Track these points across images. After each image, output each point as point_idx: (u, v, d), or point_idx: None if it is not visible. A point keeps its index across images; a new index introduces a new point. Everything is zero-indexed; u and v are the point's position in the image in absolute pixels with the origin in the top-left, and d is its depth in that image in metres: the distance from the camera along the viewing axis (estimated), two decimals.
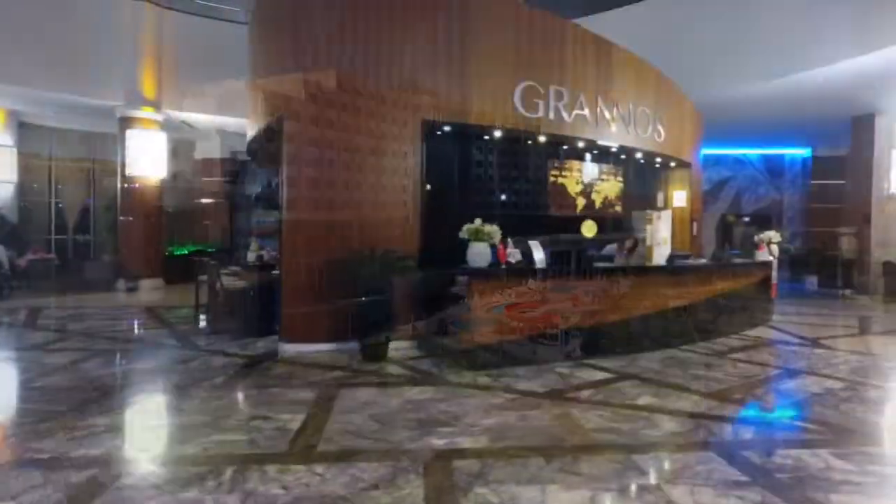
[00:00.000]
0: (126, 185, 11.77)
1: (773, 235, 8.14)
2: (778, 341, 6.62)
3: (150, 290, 11.56)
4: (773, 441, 3.33)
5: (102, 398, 4.02)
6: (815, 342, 6.60)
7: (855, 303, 11.20)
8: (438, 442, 3.22)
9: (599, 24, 10.18)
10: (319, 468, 2.86)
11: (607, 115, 7.23)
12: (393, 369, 4.98)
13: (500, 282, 5.01)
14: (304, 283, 5.66)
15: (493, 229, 4.97)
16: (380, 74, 5.82)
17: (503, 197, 6.89)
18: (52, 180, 13.92)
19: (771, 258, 7.88)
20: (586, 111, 6.98)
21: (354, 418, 3.63)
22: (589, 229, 7.65)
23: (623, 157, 8.21)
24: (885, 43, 7.84)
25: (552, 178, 7.22)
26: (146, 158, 11.71)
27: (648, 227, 8.44)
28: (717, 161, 16.65)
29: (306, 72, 5.68)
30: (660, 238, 8.34)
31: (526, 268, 5.18)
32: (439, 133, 6.49)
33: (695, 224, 9.40)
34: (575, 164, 7.43)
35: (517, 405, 3.96)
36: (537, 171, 7.14)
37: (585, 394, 4.26)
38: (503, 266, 5.04)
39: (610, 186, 7.88)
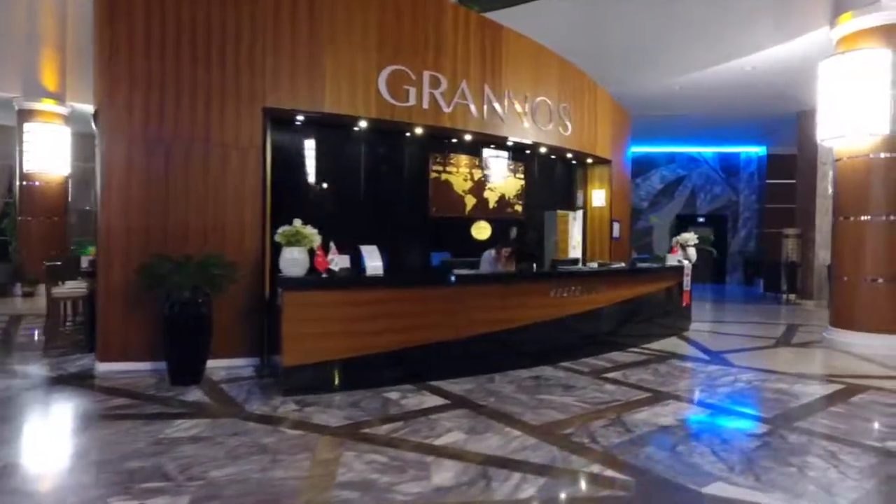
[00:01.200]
0: (24, 183, 10.99)
1: (690, 237, 7.50)
2: (675, 355, 5.97)
3: None
4: (552, 501, 2.65)
5: None
6: (715, 356, 5.96)
7: (796, 308, 10.63)
8: None
9: (521, 17, 9.52)
10: None
11: (497, 105, 6.55)
12: (193, 395, 4.27)
13: (319, 292, 4.33)
14: (118, 294, 4.94)
15: (312, 232, 4.27)
16: (211, 54, 5.10)
17: (371, 196, 6.20)
18: None
19: (685, 262, 7.23)
20: (470, 100, 6.29)
21: (57, 467, 2.92)
22: (480, 231, 7.01)
23: (528, 152, 7.55)
24: (807, 29, 7.24)
25: (434, 175, 6.52)
26: (47, 154, 10.91)
27: (564, 228, 7.79)
28: (671, 159, 16.09)
29: (123, 52, 4.95)
30: (574, 241, 7.72)
31: (352, 276, 4.48)
32: (294, 123, 5.80)
33: (616, 225, 8.75)
34: (463, 159, 6.74)
35: (286, 446, 3.26)
36: (415, 166, 6.45)
37: (385, 429, 3.57)
38: (323, 275, 4.33)
39: (508, 184, 7.20)
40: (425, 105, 5.98)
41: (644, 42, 8.73)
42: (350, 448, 3.24)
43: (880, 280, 6.24)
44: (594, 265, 6.89)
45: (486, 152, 7.10)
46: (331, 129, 6.06)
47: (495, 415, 3.89)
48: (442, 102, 6.09)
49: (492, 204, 6.98)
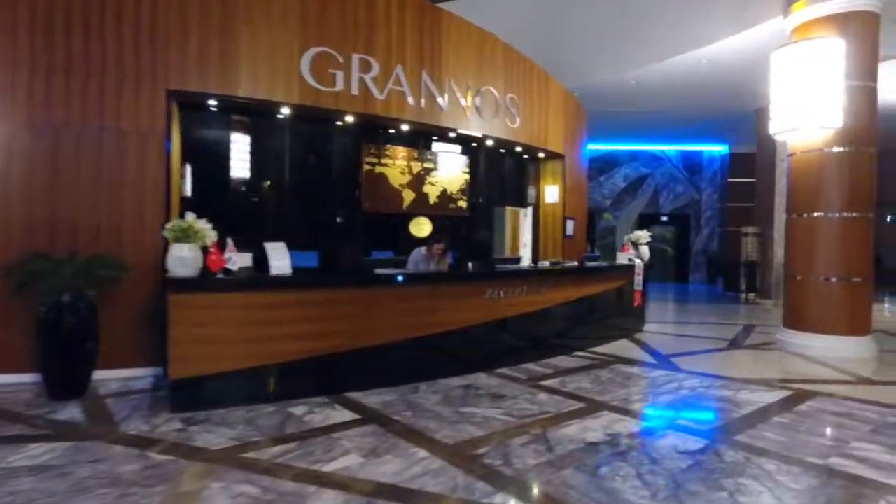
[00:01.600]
0: None
1: (642, 235, 7.19)
2: (621, 360, 5.63)
3: None
4: None
5: None
6: (664, 360, 5.65)
7: (755, 308, 10.46)
8: None
9: (466, 6, 9.10)
10: None
11: (436, 93, 6.13)
12: (68, 413, 3.74)
13: (211, 295, 3.84)
14: None
15: (204, 227, 3.78)
16: (106, 28, 4.57)
17: (297, 189, 5.73)
18: None
19: (637, 261, 6.91)
20: (405, 87, 5.86)
21: None
22: (419, 228, 6.59)
23: (473, 144, 7.16)
24: (761, 18, 7.00)
25: (367, 167, 6.07)
26: None
27: (514, 226, 7.44)
28: (635, 157, 15.90)
29: (1, 23, 4.39)
30: (525, 239, 7.34)
31: (250, 277, 4.00)
32: (208, 109, 5.30)
33: (570, 223, 8.41)
34: (400, 150, 6.30)
35: (146, 476, 2.78)
36: (345, 157, 5.99)
37: (273, 452, 3.11)
38: (218, 275, 3.85)
39: (451, 178, 6.78)
40: (355, 91, 5.53)
41: (596, 32, 8.37)
42: (221, 477, 2.77)
43: (833, 279, 6.00)
44: (546, 264, 6.55)
45: (426, 144, 6.67)
46: (252, 115, 5.58)
47: (406, 432, 3.46)
48: (374, 89, 5.65)
49: (433, 199, 6.56)
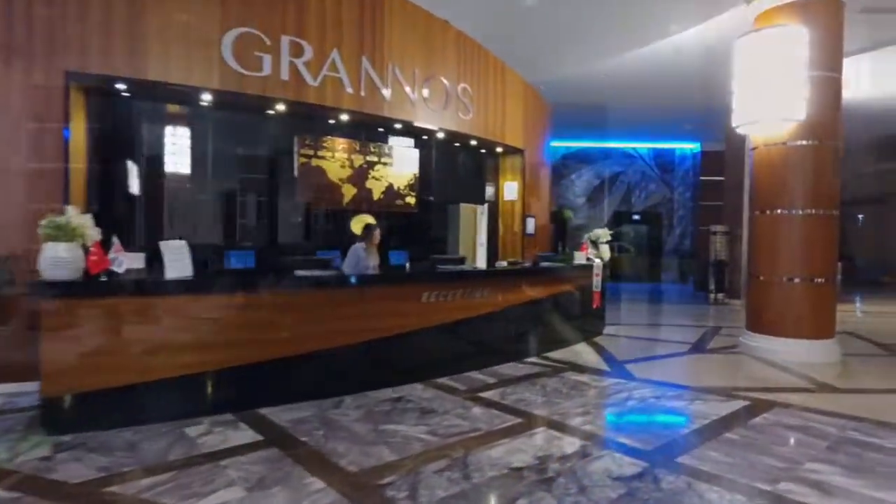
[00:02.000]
0: None
1: (602, 234, 6.85)
2: (573, 367, 5.26)
3: None
4: None
5: None
6: (618, 367, 5.29)
7: (723, 309, 10.21)
8: None
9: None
10: None
11: (378, 80, 5.71)
12: None
13: (92, 301, 3.37)
14: None
15: (83, 223, 3.32)
16: None
17: (221, 184, 5.27)
18: None
19: (595, 261, 6.56)
20: (342, 73, 5.43)
21: None
22: (360, 226, 6.15)
23: (424, 137, 6.75)
24: (725, 6, 6.68)
25: (303, 160, 5.62)
26: None
27: (470, 224, 7.08)
28: (607, 155, 15.63)
29: None
30: (480, 238, 6.96)
31: (137, 280, 3.54)
32: (120, 96, 4.82)
33: (530, 221, 8.04)
34: (339, 142, 5.86)
35: None
36: (278, 149, 5.54)
37: (141, 485, 2.66)
38: (99, 277, 3.39)
39: (397, 173, 6.36)
40: (285, 76, 5.09)
41: (559, 19, 8.02)
42: None
43: (797, 280, 5.70)
44: (503, 264, 6.19)
45: (369, 136, 6.24)
46: (157, 100, 5.12)
47: (308, 457, 3.04)
48: (307, 74, 5.21)
49: (377, 195, 6.13)
